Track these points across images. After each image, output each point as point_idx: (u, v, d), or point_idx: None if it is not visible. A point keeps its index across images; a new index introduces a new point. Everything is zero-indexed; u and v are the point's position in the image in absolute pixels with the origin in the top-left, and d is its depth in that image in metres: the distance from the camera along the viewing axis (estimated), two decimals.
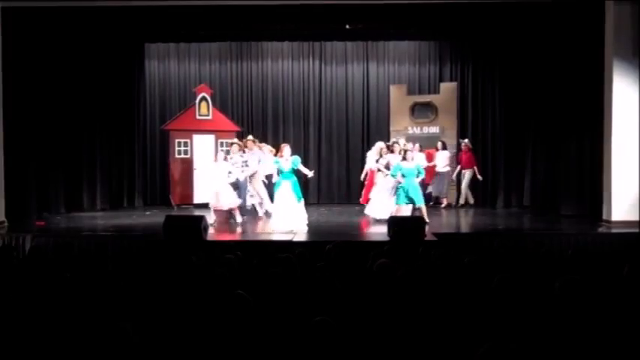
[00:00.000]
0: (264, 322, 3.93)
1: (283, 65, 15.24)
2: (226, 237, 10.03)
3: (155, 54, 15.01)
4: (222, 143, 13.60)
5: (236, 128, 14.09)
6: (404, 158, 10.85)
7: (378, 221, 10.86)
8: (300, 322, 3.61)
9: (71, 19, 11.74)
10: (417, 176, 10.80)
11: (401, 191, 10.63)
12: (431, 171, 13.21)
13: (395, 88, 14.62)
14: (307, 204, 11.76)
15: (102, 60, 13.25)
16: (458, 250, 6.60)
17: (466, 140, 13.64)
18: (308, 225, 10.37)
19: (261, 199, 12.07)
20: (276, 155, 11.19)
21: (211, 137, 13.81)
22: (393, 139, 12.73)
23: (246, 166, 11.52)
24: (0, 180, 10.52)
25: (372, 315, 4.08)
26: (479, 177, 13.47)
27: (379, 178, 11.76)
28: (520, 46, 13.05)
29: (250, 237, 10.16)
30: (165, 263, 6.14)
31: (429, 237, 8.98)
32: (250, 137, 12.53)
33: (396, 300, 4.36)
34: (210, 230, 9.93)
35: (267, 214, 11.69)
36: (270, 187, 12.34)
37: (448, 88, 14.30)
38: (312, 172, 11.08)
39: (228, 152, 11.84)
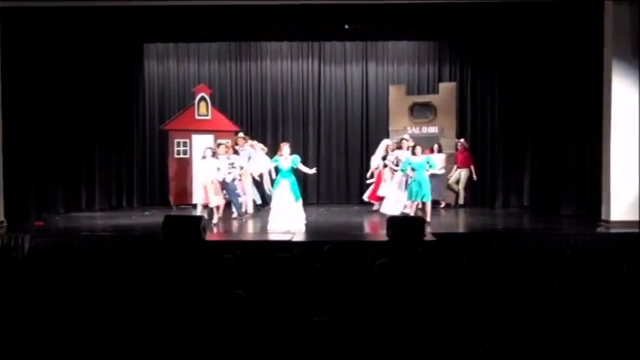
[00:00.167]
0: (263, 322, 3.92)
1: (282, 65, 15.21)
2: (226, 237, 10.03)
3: (154, 54, 14.99)
4: (219, 144, 13.57)
5: (235, 128, 14.05)
6: (413, 153, 10.94)
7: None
8: (299, 322, 3.61)
9: (70, 19, 11.72)
10: (428, 169, 10.96)
11: (413, 186, 10.68)
12: None
13: (394, 88, 14.59)
14: (306, 204, 11.77)
15: (101, 60, 13.23)
16: (457, 250, 6.61)
17: (462, 140, 13.65)
18: (306, 225, 10.35)
19: (244, 197, 11.86)
20: (275, 154, 11.18)
21: (210, 137, 13.77)
22: (400, 136, 12.72)
23: (233, 167, 11.29)
24: None
25: (371, 315, 4.08)
26: (474, 177, 13.49)
27: (387, 175, 11.84)
28: (519, 46, 13.04)
29: (249, 237, 10.16)
30: (164, 263, 6.15)
31: (428, 237, 8.98)
32: (241, 134, 12.45)
33: (396, 300, 4.36)
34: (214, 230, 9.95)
35: (241, 214, 11.58)
36: (260, 185, 12.34)
37: (447, 88, 14.29)
38: (314, 169, 11.09)
39: (217, 149, 11.63)
